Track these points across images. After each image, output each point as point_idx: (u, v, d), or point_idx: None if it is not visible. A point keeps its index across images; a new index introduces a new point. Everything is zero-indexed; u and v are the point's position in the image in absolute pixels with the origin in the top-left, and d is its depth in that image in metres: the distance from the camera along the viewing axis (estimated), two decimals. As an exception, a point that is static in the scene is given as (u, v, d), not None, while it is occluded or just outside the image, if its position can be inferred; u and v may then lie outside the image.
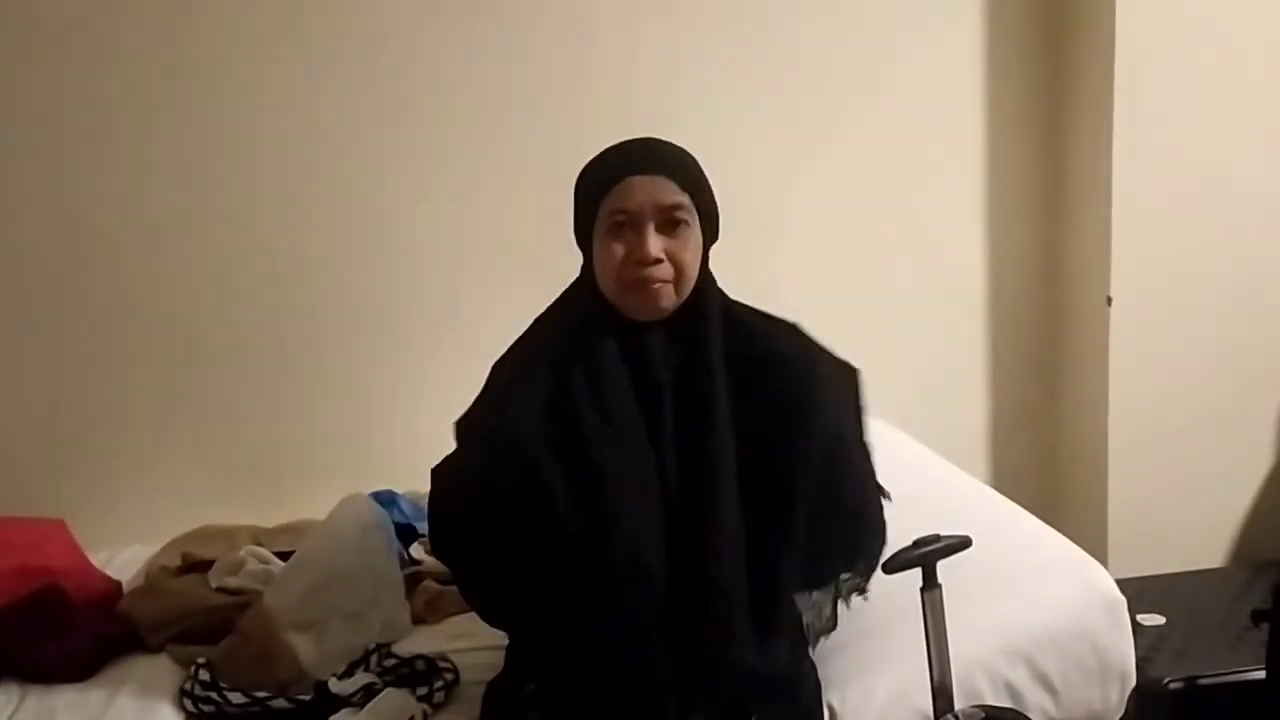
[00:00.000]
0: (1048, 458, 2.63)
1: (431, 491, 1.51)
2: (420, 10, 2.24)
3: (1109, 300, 2.37)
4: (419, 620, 1.81)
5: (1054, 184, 2.53)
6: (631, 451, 1.37)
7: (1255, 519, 2.51)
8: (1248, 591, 2.32)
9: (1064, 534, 2.29)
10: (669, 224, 1.37)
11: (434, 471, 1.51)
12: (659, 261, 1.36)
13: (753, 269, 2.37)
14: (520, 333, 1.52)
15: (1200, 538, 2.50)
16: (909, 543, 1.49)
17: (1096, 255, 2.39)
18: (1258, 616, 2.01)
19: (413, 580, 1.87)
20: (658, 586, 1.34)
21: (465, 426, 1.48)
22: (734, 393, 1.41)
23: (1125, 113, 2.30)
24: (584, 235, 1.43)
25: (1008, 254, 2.55)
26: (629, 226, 1.36)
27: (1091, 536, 2.46)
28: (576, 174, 1.44)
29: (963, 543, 1.50)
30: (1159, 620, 2.20)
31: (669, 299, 1.39)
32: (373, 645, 1.68)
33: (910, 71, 2.44)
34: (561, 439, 1.36)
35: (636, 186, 1.35)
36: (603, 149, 1.43)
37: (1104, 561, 2.43)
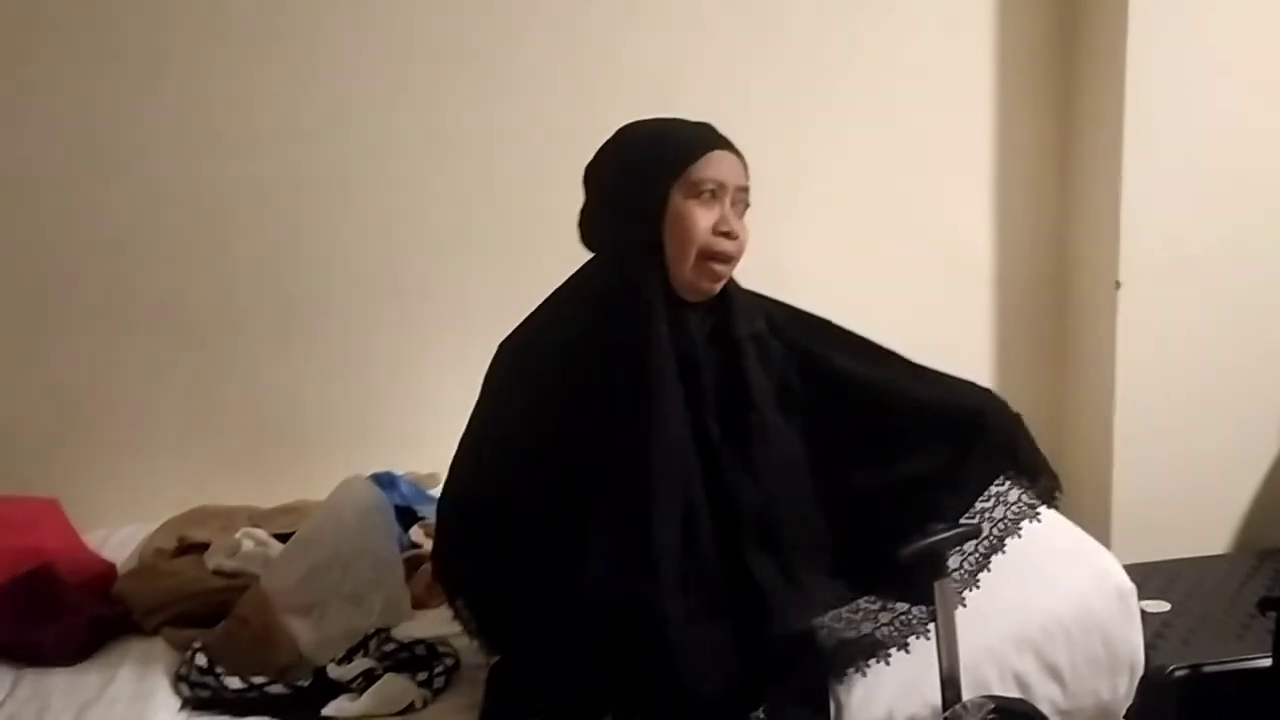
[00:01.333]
0: (1054, 442, 2.61)
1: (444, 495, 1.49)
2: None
3: (1117, 285, 2.35)
4: (419, 604, 1.79)
5: (1064, 168, 2.50)
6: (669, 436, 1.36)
7: (1261, 505, 2.49)
8: (1253, 579, 2.31)
9: (1068, 518, 2.28)
10: (739, 205, 1.40)
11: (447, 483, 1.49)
12: (735, 238, 1.39)
13: (760, 249, 2.36)
14: (526, 311, 1.49)
15: (1206, 524, 2.49)
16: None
17: (1105, 239, 2.37)
18: (1265, 604, 1.99)
19: (413, 563, 1.85)
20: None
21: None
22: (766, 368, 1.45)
23: (1136, 96, 2.27)
24: (644, 205, 1.38)
25: (1017, 238, 2.52)
26: (712, 198, 1.37)
27: (1097, 521, 2.45)
28: (586, 152, 1.42)
29: (973, 531, 1.49)
30: (1164, 607, 2.19)
31: (726, 280, 1.42)
32: (372, 630, 1.66)
33: (921, 55, 2.41)
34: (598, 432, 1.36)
35: (725, 160, 1.38)
36: (636, 123, 1.43)
37: (1108, 547, 2.43)
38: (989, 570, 1.51)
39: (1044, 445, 2.55)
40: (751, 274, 2.14)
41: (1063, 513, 2.13)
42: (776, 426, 1.44)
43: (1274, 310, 2.42)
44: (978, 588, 1.50)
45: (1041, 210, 2.52)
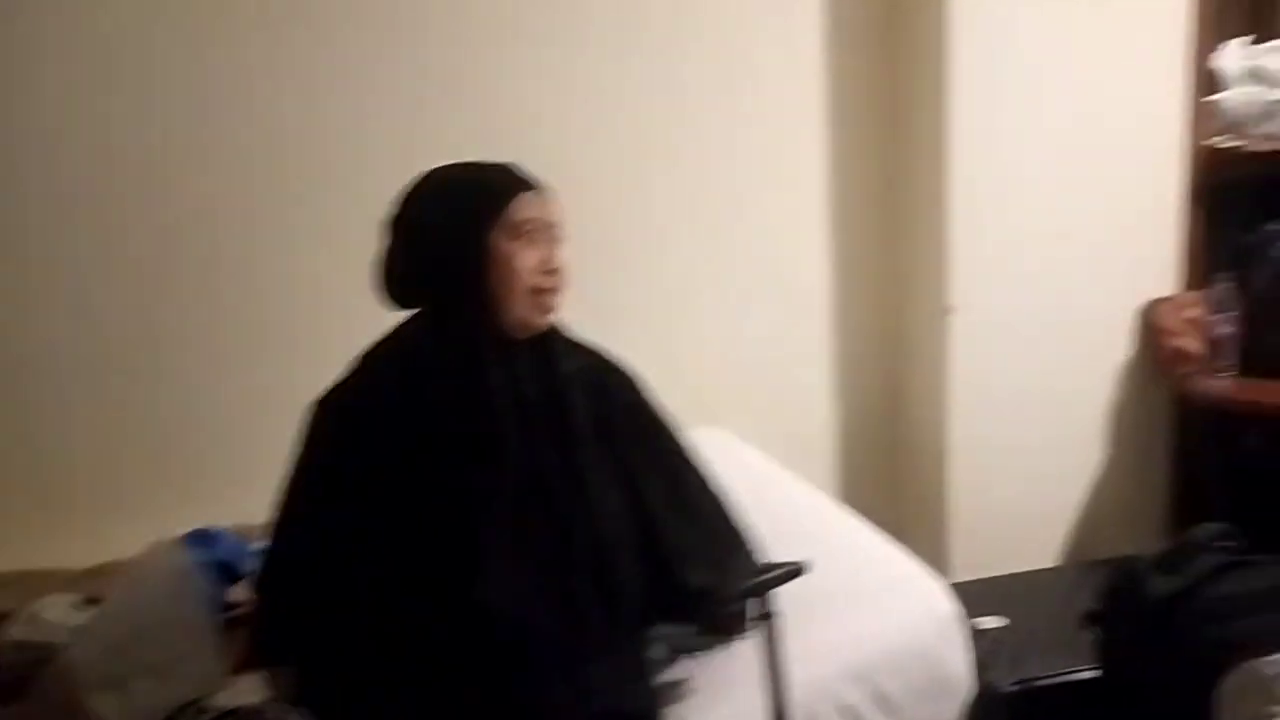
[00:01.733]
0: (892, 463, 2.67)
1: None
2: (272, 25, 2.13)
3: (948, 310, 2.41)
4: (242, 668, 1.70)
5: (895, 198, 2.55)
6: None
7: (1087, 518, 2.59)
8: (1082, 590, 2.37)
9: (908, 539, 2.31)
10: (555, 240, 1.44)
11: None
12: (559, 273, 1.43)
13: (593, 277, 2.34)
14: (351, 350, 1.47)
15: (1040, 538, 2.57)
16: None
17: (934, 267, 2.43)
18: (1089, 618, 2.06)
19: (234, 625, 1.76)
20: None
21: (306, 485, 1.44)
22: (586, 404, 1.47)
23: (959, 126, 2.33)
24: (467, 251, 1.38)
25: (852, 266, 2.57)
26: (532, 237, 1.40)
27: (935, 541, 2.51)
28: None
29: (795, 570, 1.50)
30: (1001, 622, 2.24)
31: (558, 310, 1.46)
32: (185, 701, 1.57)
33: (754, 87, 2.43)
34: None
35: (536, 200, 1.42)
36: (441, 169, 1.44)
37: (947, 565, 2.50)
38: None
39: (883, 466, 2.65)
40: (584, 308, 2.10)
41: (901, 534, 2.17)
42: (600, 460, 1.46)
43: (1096, 328, 2.52)
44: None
45: (876, 239, 2.57)
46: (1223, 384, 2.41)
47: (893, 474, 2.67)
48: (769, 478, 2.15)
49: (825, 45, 2.45)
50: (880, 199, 2.56)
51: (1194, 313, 2.48)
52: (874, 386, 2.64)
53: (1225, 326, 2.40)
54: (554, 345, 1.48)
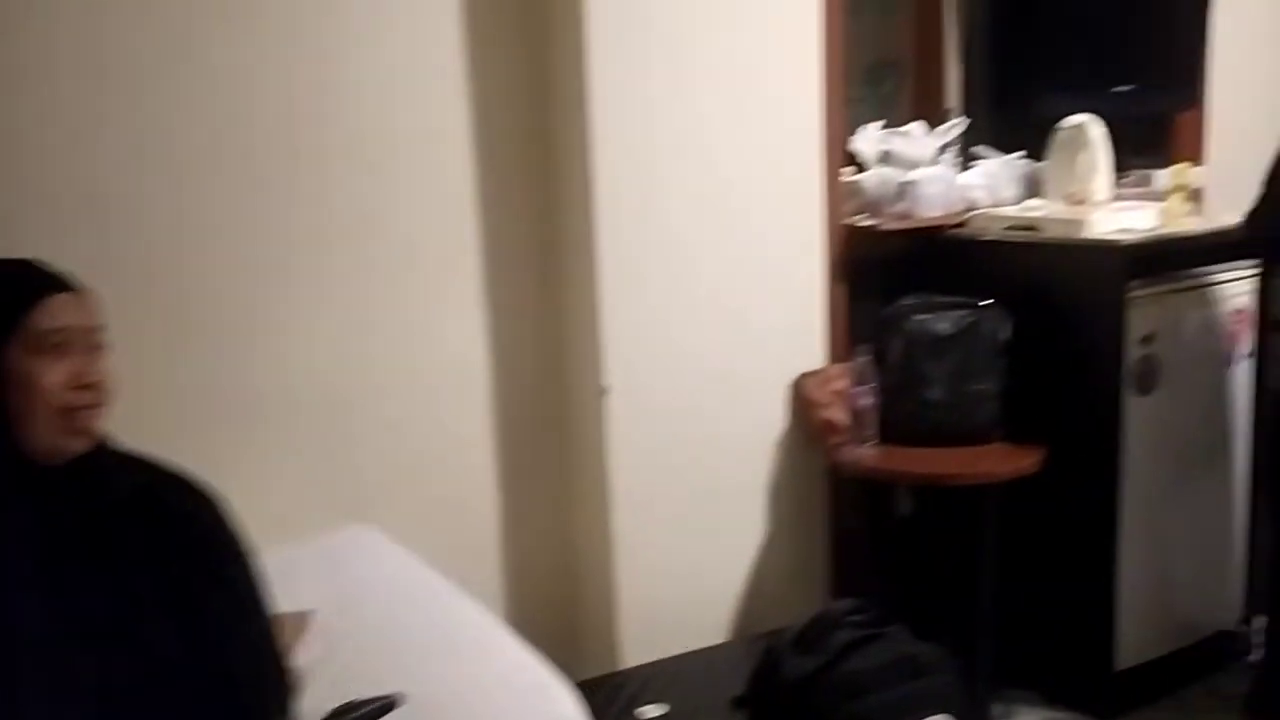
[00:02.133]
0: (560, 552, 2.59)
1: None
2: None
3: (603, 390, 2.38)
4: None
5: (550, 277, 2.50)
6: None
7: (749, 593, 2.61)
8: (743, 667, 2.37)
9: (579, 626, 2.22)
10: (93, 348, 1.28)
11: None
12: (97, 387, 1.27)
13: (226, 370, 2.14)
14: None
15: (708, 615, 2.56)
16: (328, 711, 1.35)
17: (590, 346, 2.39)
18: (738, 702, 2.05)
19: None
20: None
21: None
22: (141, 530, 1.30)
23: (607, 211, 2.32)
24: None
25: (511, 349, 2.47)
26: (60, 348, 1.23)
27: (603, 626, 2.46)
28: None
29: (387, 705, 1.38)
30: (661, 710, 2.20)
31: (102, 427, 1.28)
32: None
33: (402, 165, 2.32)
34: None
35: (66, 304, 1.25)
36: None
37: (618, 651, 2.45)
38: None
39: (551, 556, 2.57)
40: (213, 403, 1.87)
41: (572, 622, 2.08)
42: (157, 592, 1.28)
43: (752, 403, 2.56)
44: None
45: (533, 321, 2.50)
46: (867, 453, 2.50)
47: (561, 562, 2.59)
48: (407, 582, 2.00)
49: (477, 127, 2.38)
50: (537, 278, 2.50)
51: (840, 384, 2.58)
52: (539, 472, 2.54)
53: (866, 397, 2.50)
54: (99, 467, 1.29)
